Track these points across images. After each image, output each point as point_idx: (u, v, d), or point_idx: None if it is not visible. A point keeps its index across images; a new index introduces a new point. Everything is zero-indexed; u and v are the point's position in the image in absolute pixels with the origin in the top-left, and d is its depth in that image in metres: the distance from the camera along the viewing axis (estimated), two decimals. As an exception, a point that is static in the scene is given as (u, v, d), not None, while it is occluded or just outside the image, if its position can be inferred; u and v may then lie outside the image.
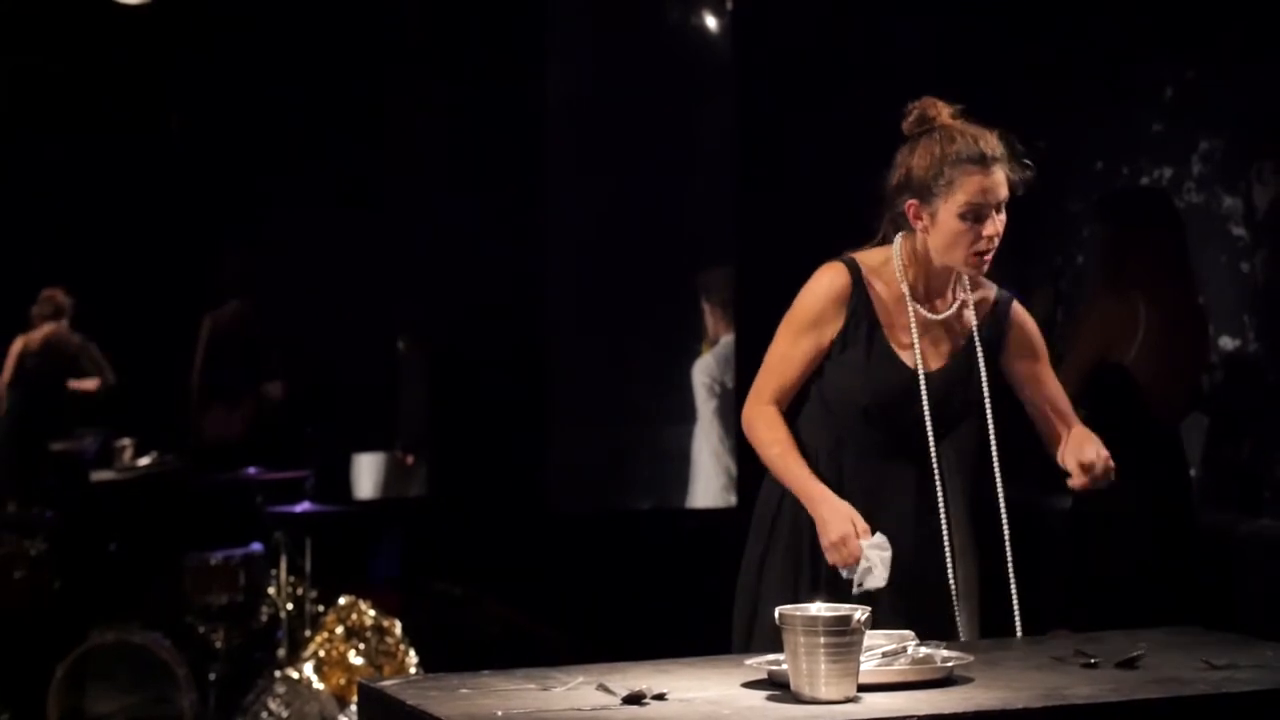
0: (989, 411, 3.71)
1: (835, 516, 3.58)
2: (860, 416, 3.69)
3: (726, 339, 7.64)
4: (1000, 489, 3.73)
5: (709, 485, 7.84)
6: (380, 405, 9.38)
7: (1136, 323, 5.34)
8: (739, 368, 7.37)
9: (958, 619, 3.72)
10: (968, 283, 3.73)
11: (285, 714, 6.17)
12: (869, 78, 6.40)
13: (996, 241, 3.59)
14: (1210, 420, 5.94)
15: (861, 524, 3.58)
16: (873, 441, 3.71)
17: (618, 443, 8.44)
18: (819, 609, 2.93)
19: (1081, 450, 3.60)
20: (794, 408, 3.80)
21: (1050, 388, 3.81)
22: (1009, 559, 3.72)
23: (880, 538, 3.60)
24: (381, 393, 9.39)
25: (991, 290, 3.78)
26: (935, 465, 3.69)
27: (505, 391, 8.16)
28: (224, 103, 9.26)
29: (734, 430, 7.49)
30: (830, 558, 3.60)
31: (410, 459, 9.18)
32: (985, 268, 3.64)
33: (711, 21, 8.49)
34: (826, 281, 3.67)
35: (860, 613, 2.89)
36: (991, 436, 3.71)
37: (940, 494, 3.69)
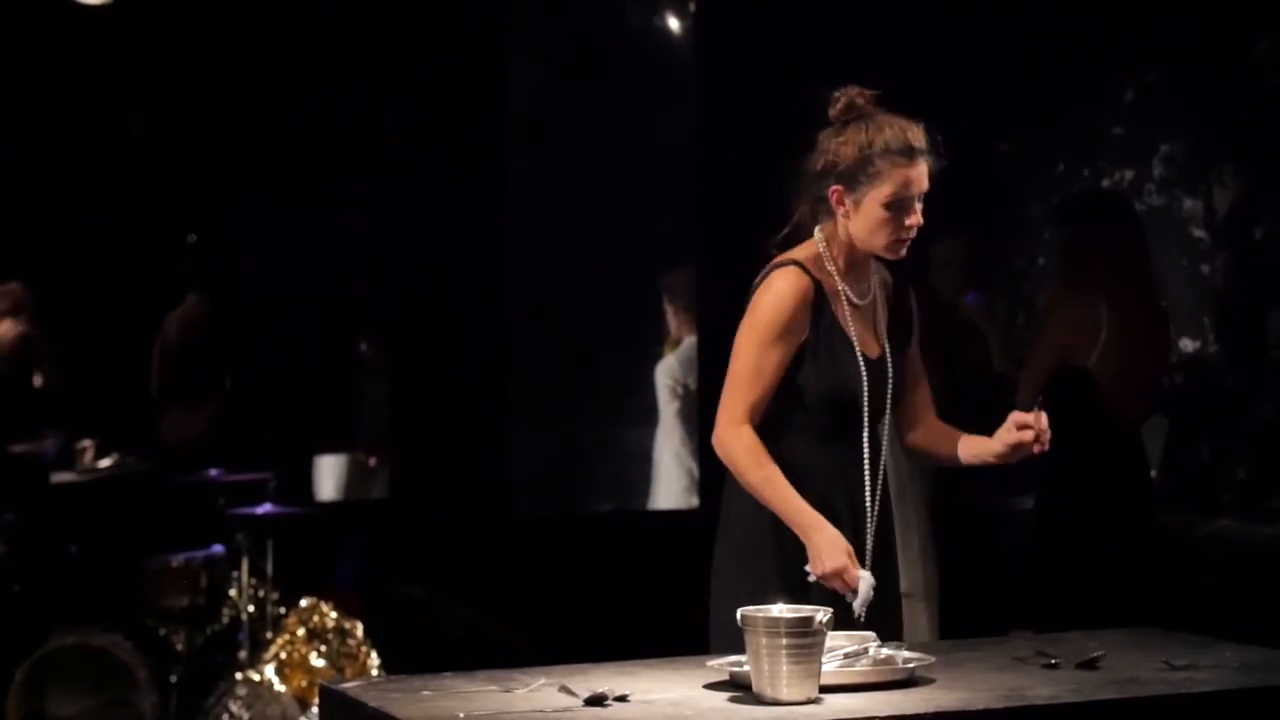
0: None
1: (832, 548, 3.50)
2: (825, 410, 3.63)
3: (689, 340, 7.64)
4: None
5: (671, 487, 7.84)
6: (343, 407, 9.35)
7: (1098, 326, 5.34)
8: (701, 370, 7.37)
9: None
10: (872, 264, 3.72)
11: (246, 716, 6.14)
12: (831, 79, 6.40)
13: (915, 231, 3.59)
14: (1171, 422, 5.97)
15: (853, 555, 3.53)
16: (827, 432, 3.65)
17: (580, 444, 8.44)
18: (780, 610, 2.93)
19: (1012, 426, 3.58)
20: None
21: (918, 366, 3.80)
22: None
23: (867, 573, 3.55)
24: (344, 394, 9.36)
25: (884, 272, 3.75)
26: (866, 451, 3.65)
27: (468, 393, 8.14)
28: (185, 102, 9.22)
29: (696, 432, 7.49)
30: (831, 584, 3.52)
31: (372, 461, 9.16)
32: (904, 253, 3.62)
33: (674, 23, 8.50)
34: (791, 289, 3.59)
35: (822, 614, 2.89)
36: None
37: (873, 478, 3.67)
